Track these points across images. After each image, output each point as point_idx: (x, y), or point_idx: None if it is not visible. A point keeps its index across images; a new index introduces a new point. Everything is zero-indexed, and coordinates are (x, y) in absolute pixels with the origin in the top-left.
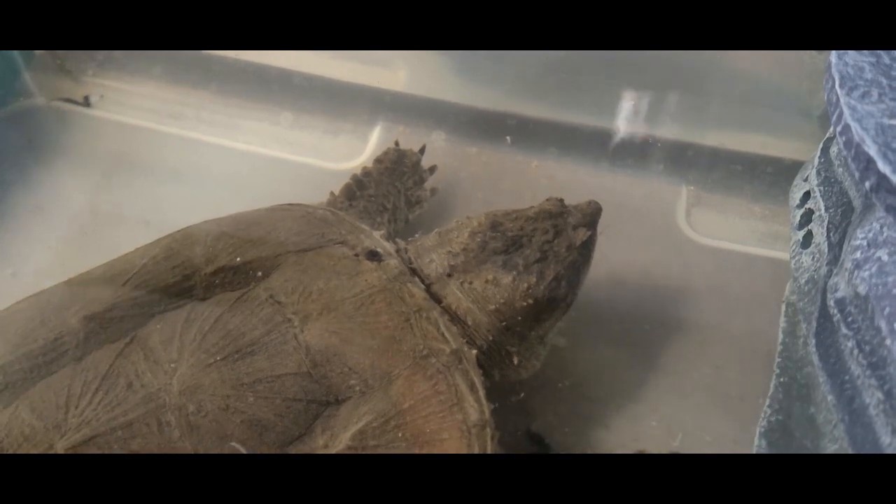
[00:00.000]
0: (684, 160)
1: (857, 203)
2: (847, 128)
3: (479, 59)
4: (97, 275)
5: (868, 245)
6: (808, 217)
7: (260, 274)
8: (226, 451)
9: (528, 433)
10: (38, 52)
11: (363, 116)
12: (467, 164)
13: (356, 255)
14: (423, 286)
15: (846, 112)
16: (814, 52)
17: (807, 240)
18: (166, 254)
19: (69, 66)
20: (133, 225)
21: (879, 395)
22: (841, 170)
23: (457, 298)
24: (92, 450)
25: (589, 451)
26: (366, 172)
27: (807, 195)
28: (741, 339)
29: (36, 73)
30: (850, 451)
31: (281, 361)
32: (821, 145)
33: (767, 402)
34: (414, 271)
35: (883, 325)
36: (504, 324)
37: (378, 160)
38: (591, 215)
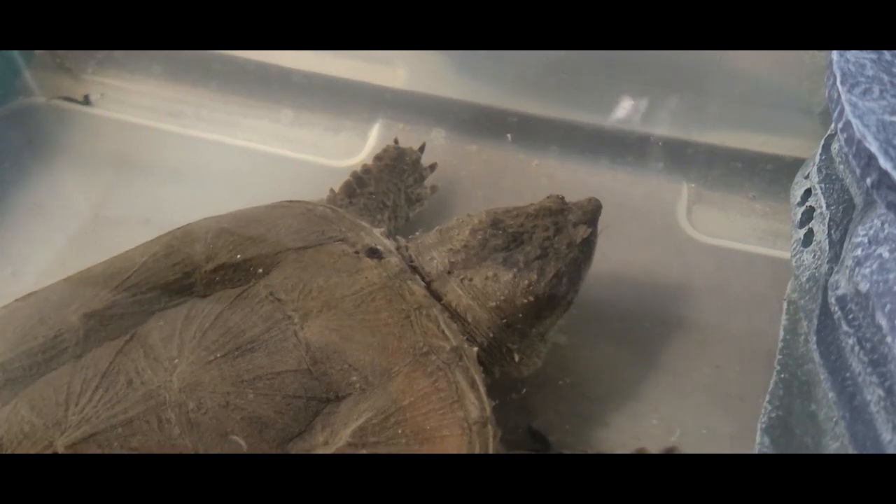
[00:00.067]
0: (685, 158)
1: (858, 200)
2: (848, 124)
3: (480, 58)
4: (97, 272)
5: (869, 242)
6: (809, 215)
7: (260, 271)
8: (227, 445)
9: (528, 431)
10: (37, 52)
11: (363, 114)
12: (467, 162)
13: (356, 252)
14: (423, 283)
15: (847, 109)
16: (814, 52)
17: (808, 237)
18: (166, 251)
19: (69, 64)
20: (133, 223)
21: (880, 392)
22: (842, 167)
23: (457, 295)
24: (92, 447)
25: (589, 450)
26: (366, 170)
27: (808, 192)
28: (741, 338)
29: (36, 71)
30: (851, 449)
31: (281, 358)
32: (822, 142)
33: (768, 398)
34: (414, 269)
35: (884, 322)
36: (505, 321)
37: (378, 157)
38: (591, 212)
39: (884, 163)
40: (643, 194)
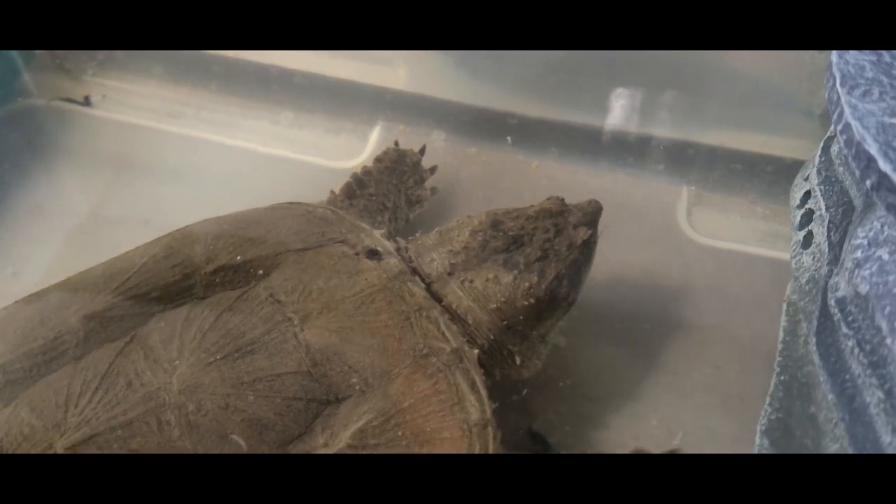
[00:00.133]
0: (685, 160)
1: (857, 202)
2: (848, 126)
3: (480, 59)
4: (97, 274)
5: (869, 244)
6: (808, 217)
7: (260, 272)
8: (226, 447)
9: (529, 432)
10: (38, 52)
11: (363, 115)
12: (467, 164)
13: (356, 253)
14: (423, 285)
15: (847, 111)
16: (814, 52)
17: (807, 239)
18: (166, 253)
19: (69, 65)
20: (133, 224)
21: (880, 394)
22: (842, 169)
23: (457, 297)
24: (91, 449)
25: (589, 451)
26: (366, 171)
27: (807, 195)
28: (741, 339)
29: (35, 73)
30: (850, 450)
31: (281, 360)
32: (821, 144)
33: (768, 400)
34: (414, 270)
35: (883, 324)
36: (505, 322)
37: (378, 159)
38: (591, 214)
39: (883, 165)
40: (643, 196)
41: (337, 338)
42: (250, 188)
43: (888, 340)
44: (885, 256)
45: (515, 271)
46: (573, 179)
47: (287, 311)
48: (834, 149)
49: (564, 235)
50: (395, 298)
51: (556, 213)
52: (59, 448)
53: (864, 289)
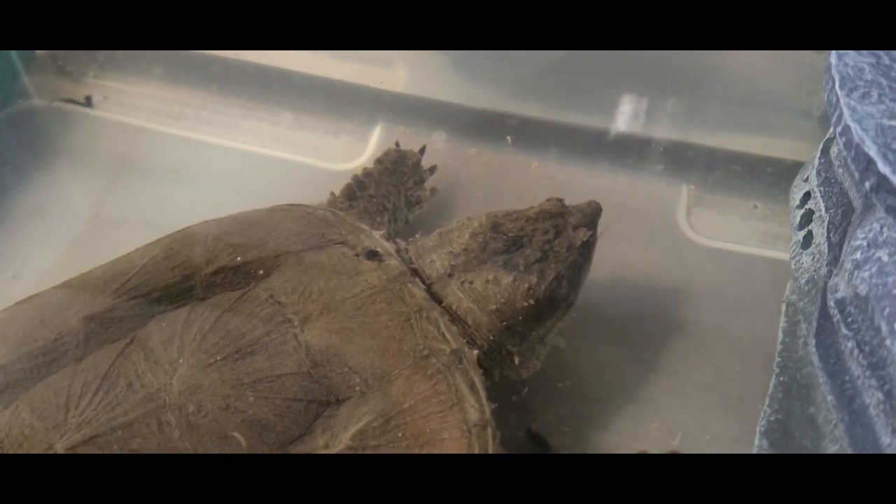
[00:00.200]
0: (684, 161)
1: (857, 204)
2: (847, 128)
3: (480, 60)
4: (97, 275)
5: (868, 245)
6: (808, 217)
7: (261, 272)
8: (226, 447)
9: (528, 433)
10: (38, 54)
11: (363, 117)
12: (468, 165)
13: (356, 255)
14: (423, 286)
15: (846, 113)
16: (814, 53)
17: (807, 240)
18: (166, 254)
19: (70, 67)
20: (133, 225)
21: (879, 395)
22: (841, 170)
23: (457, 298)
24: (92, 450)
25: (589, 451)
26: (366, 173)
27: (807, 196)
28: (741, 340)
29: (36, 74)
30: (850, 452)
31: (281, 361)
32: (821, 146)
33: (767, 401)
34: (415, 271)
35: (883, 325)
36: (505, 323)
37: (378, 161)
38: (591, 215)
39: (882, 167)
40: (643, 197)
41: (337, 339)
42: (250, 189)
43: (888, 342)
44: (885, 258)
45: (515, 272)
46: (573, 180)
47: (287, 313)
48: (833, 150)
49: (564, 237)
50: (395, 300)
51: (556, 215)
52: (60, 449)
53: (863, 290)
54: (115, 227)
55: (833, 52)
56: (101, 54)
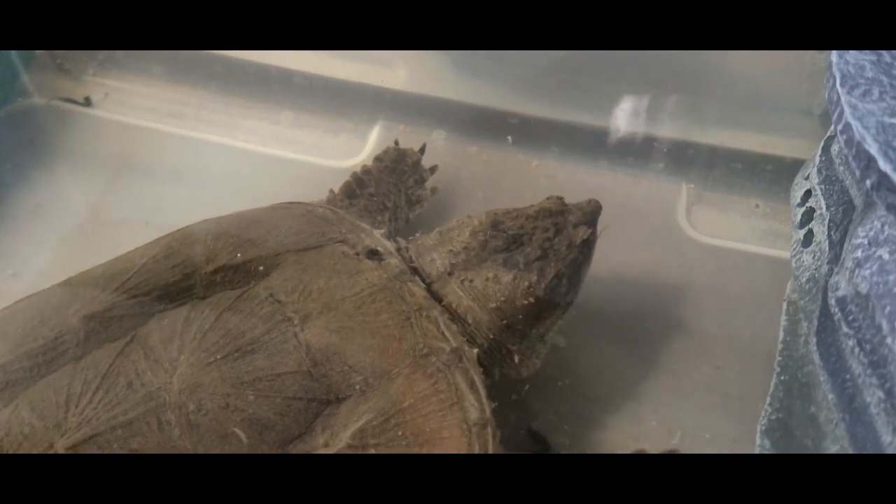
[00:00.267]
0: (684, 159)
1: (858, 201)
2: (848, 126)
3: (480, 58)
4: (97, 274)
5: (869, 243)
6: (809, 215)
7: (261, 269)
8: (227, 446)
9: (528, 432)
10: (38, 53)
11: (363, 115)
12: (468, 164)
13: (356, 253)
14: (423, 285)
15: (847, 110)
16: (814, 52)
17: (808, 238)
18: (166, 253)
19: (69, 66)
20: (133, 224)
21: (880, 393)
22: (842, 168)
23: (457, 297)
24: (92, 449)
25: (589, 450)
26: (366, 171)
27: (808, 194)
28: (741, 339)
29: (36, 73)
30: (850, 450)
31: (281, 360)
32: (822, 144)
33: (768, 400)
34: (414, 270)
35: (884, 323)
36: (505, 322)
37: (378, 158)
38: (591, 213)
39: (883, 165)
40: (643, 195)
41: (337, 338)
42: (250, 188)
43: (888, 340)
44: (886, 256)
45: (515, 271)
46: (573, 179)
47: (287, 311)
48: (834, 148)
49: (564, 235)
50: (395, 298)
51: (556, 213)
52: (60, 448)
53: (864, 288)
54: (115, 226)
55: (834, 51)
56: (101, 53)
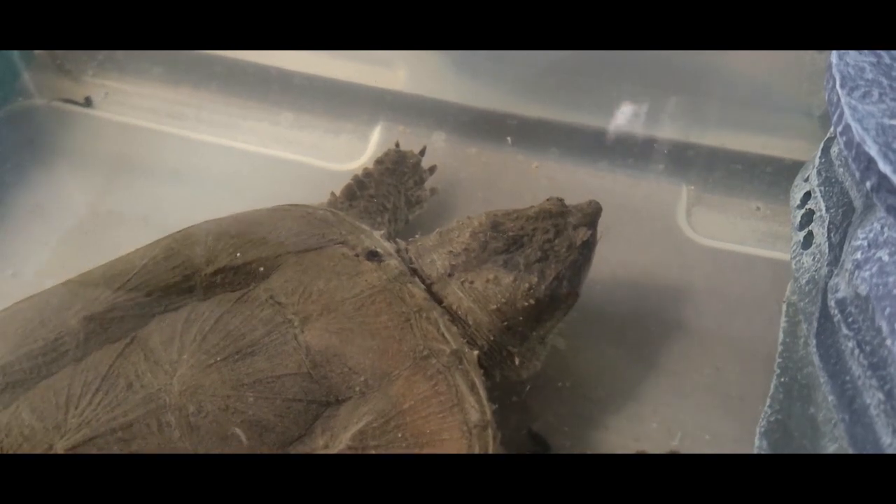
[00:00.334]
0: (684, 160)
1: (857, 203)
2: (848, 128)
3: (480, 59)
4: (97, 275)
5: (869, 245)
6: (808, 217)
7: (262, 270)
8: (227, 448)
9: (529, 433)
10: (37, 53)
11: (364, 116)
12: (467, 165)
13: (356, 255)
14: (423, 286)
15: (847, 112)
16: (814, 52)
17: (807, 240)
18: (166, 254)
19: (69, 66)
20: (133, 225)
21: (880, 395)
22: (842, 170)
23: (458, 298)
24: (91, 450)
25: (589, 451)
26: (366, 173)
27: (807, 195)
28: (741, 340)
29: (36, 73)
30: (849, 450)
31: (281, 362)
32: (821, 145)
33: (768, 402)
34: (415, 271)
35: (884, 325)
36: (505, 323)
37: (378, 161)
38: (591, 215)
39: (883, 166)
40: (643, 196)
41: (337, 339)
42: (250, 189)
43: (888, 342)
44: (885, 258)
45: (515, 272)
46: (573, 180)
47: (287, 313)
48: (834, 150)
49: (564, 236)
50: (395, 300)
51: (556, 214)
52: (60, 449)
53: (864, 290)
54: (115, 226)
55: (834, 52)
56: (101, 53)
